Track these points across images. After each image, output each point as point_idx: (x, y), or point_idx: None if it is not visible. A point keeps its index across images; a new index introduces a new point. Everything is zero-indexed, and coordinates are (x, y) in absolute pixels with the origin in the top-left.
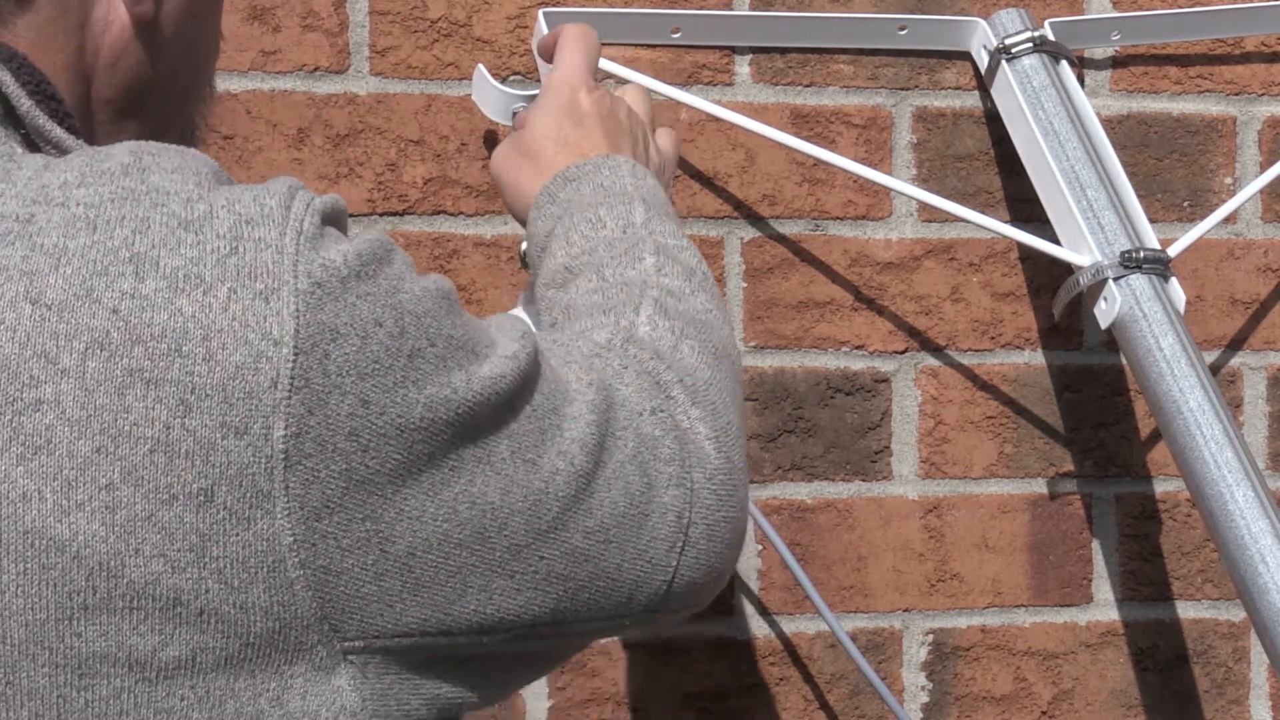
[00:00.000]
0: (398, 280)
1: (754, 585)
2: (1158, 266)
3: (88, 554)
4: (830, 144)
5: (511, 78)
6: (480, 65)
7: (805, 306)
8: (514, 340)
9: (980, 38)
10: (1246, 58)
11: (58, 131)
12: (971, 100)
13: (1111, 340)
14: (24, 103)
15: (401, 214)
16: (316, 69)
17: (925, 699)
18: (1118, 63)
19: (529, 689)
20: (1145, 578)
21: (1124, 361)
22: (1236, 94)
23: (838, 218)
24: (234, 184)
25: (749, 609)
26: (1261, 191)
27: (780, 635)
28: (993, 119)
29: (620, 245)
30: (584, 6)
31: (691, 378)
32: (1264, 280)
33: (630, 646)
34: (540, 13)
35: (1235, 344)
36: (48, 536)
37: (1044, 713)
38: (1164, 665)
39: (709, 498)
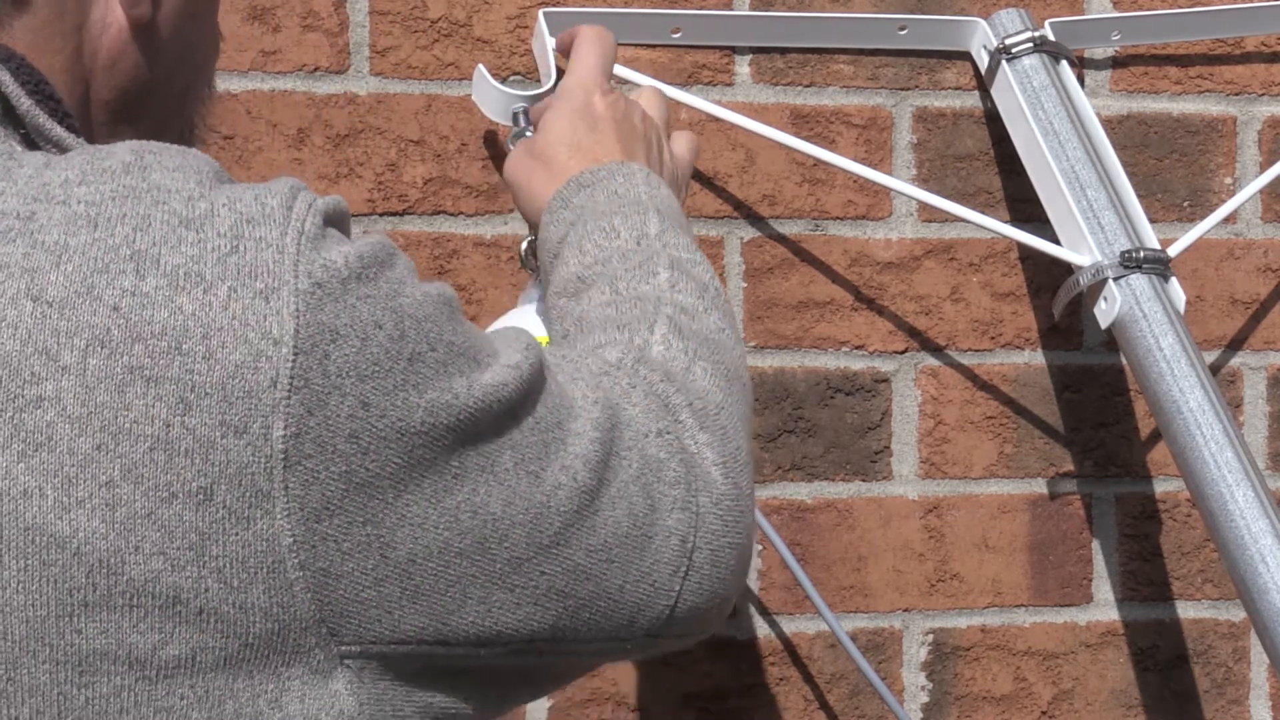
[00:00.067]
0: (399, 284)
1: (754, 585)
2: (1158, 266)
3: (88, 551)
4: (830, 144)
5: (511, 78)
6: (480, 65)
7: (805, 306)
8: (517, 351)
9: (980, 38)
10: (1246, 58)
11: (58, 130)
12: (971, 100)
13: (1111, 340)
14: (23, 102)
15: (401, 214)
16: (316, 69)
17: (925, 699)
18: (1118, 63)
19: None
20: (1145, 578)
21: (1124, 361)
22: (1236, 94)
23: (838, 218)
24: (235, 183)
25: (749, 609)
26: (1261, 191)
27: (780, 635)
28: (993, 119)
29: (634, 257)
30: (584, 6)
31: (702, 401)
32: (1264, 280)
33: None
34: (540, 13)
35: (1235, 344)
36: (48, 533)
37: (1044, 713)
38: (1164, 665)
39: (714, 523)
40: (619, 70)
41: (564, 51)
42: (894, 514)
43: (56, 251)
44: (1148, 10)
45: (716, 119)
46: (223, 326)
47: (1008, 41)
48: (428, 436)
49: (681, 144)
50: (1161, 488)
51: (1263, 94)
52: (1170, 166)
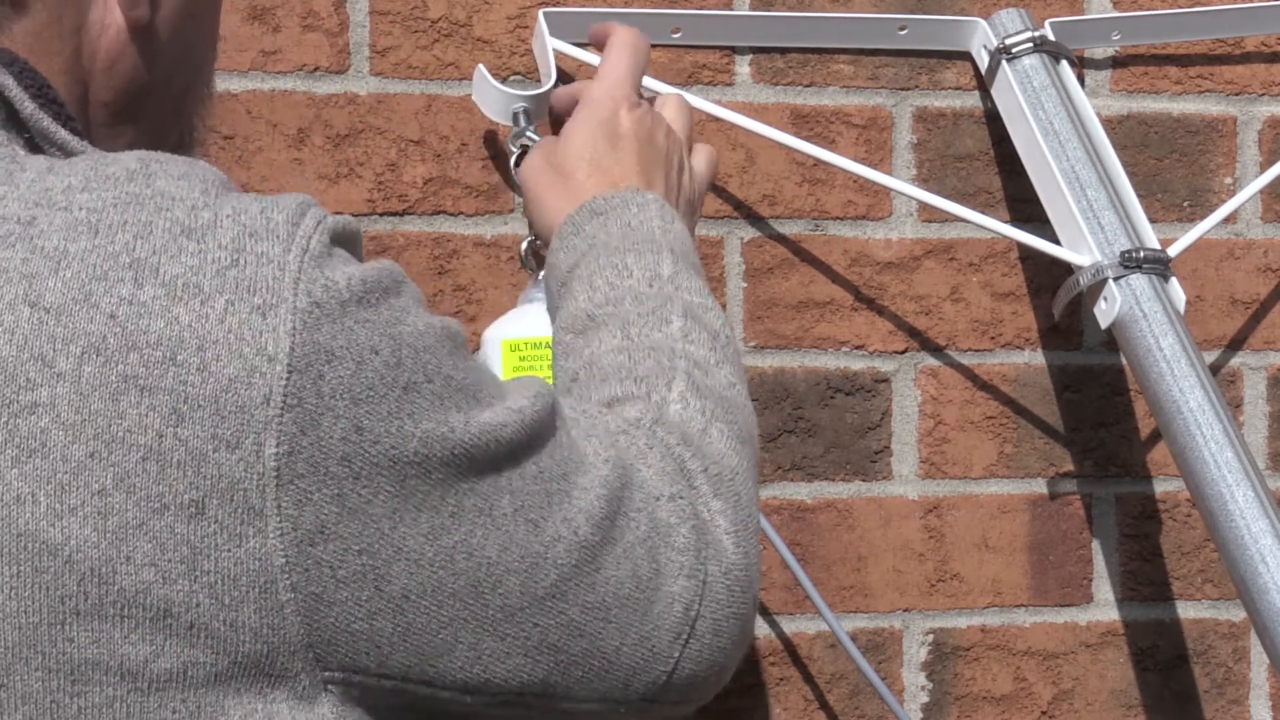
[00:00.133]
0: (401, 312)
1: None
2: (1158, 266)
3: (79, 559)
4: (830, 144)
5: (511, 78)
6: (480, 65)
7: (805, 306)
8: (524, 396)
9: (980, 38)
10: (1246, 58)
11: (62, 134)
12: (971, 100)
13: (1111, 340)
14: (27, 106)
15: (401, 214)
16: (316, 69)
17: (925, 699)
18: (1118, 63)
19: None
20: (1145, 578)
21: (1124, 361)
22: (1236, 94)
23: (838, 218)
24: (243, 194)
25: None
26: (1261, 191)
27: (780, 635)
28: (993, 119)
29: (647, 301)
30: (584, 6)
31: (717, 466)
32: (1264, 280)
33: None
34: (540, 13)
35: (1235, 344)
36: (40, 540)
37: (1044, 713)
38: (1164, 665)
39: (721, 593)
40: None
41: (597, 46)
42: (894, 514)
43: (56, 257)
44: (1148, 10)
45: (716, 119)
46: (218, 340)
47: (1008, 41)
48: (421, 468)
49: (701, 158)
50: (1161, 488)
51: (1263, 94)
52: (1170, 166)
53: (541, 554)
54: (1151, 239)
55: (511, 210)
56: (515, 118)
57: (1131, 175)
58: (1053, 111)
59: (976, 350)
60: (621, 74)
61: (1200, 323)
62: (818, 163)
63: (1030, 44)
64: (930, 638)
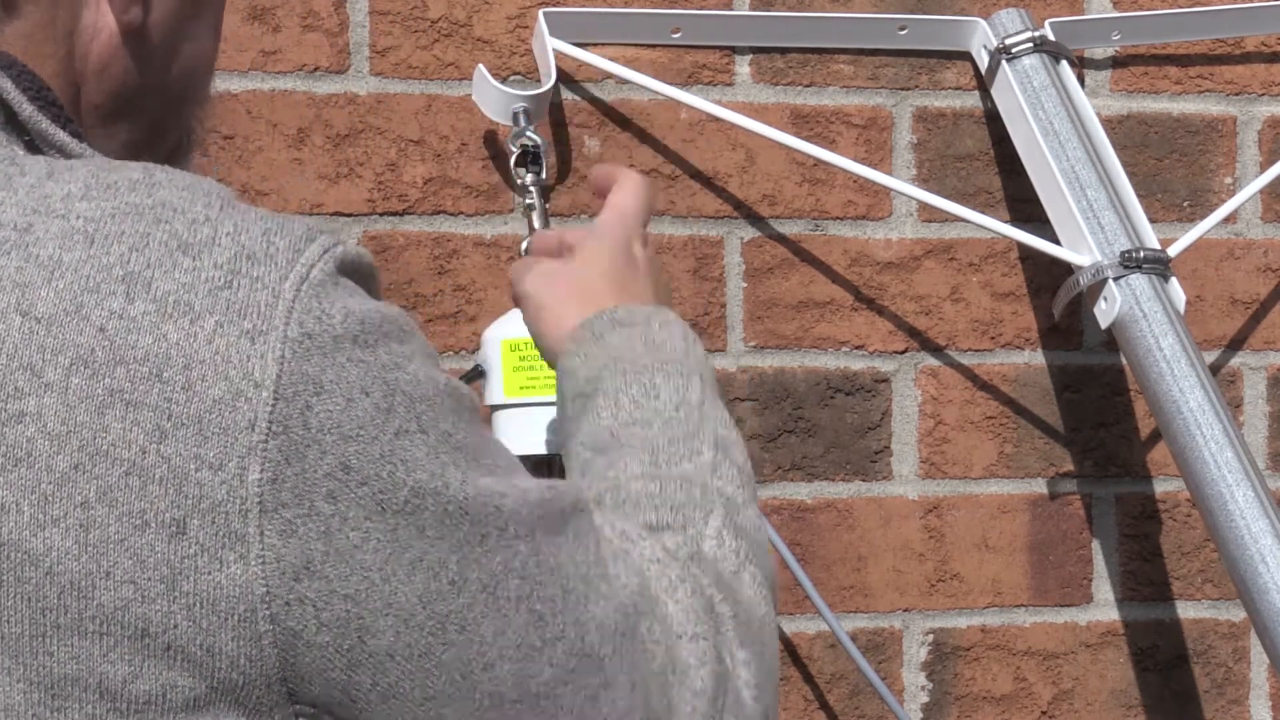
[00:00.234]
0: (400, 359)
1: None
2: (1158, 266)
3: (60, 571)
4: (830, 144)
5: (511, 78)
6: (480, 65)
7: (805, 306)
8: (542, 484)
9: (980, 38)
10: (1246, 58)
11: (61, 136)
12: (971, 100)
13: (1111, 340)
14: (26, 108)
15: (401, 214)
16: (316, 69)
17: (925, 699)
18: (1118, 63)
19: None
20: (1145, 578)
21: (1124, 361)
22: (1236, 94)
23: (838, 218)
24: (249, 210)
25: None
26: (1261, 191)
27: (780, 635)
28: (993, 119)
29: (677, 427)
30: (584, 6)
31: (747, 613)
32: (1264, 280)
33: None
34: (540, 13)
35: (1235, 344)
36: (23, 549)
37: (1044, 713)
38: (1164, 665)
39: None
40: (619, 70)
41: (600, 190)
42: (894, 514)
43: (50, 267)
44: (1148, 10)
45: (716, 119)
46: (204, 359)
47: (1008, 41)
48: (414, 521)
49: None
50: (1161, 488)
51: (1263, 94)
52: (1170, 166)
53: (539, 649)
54: (1151, 239)
55: (511, 210)
56: (515, 118)
57: (1131, 175)
58: (1053, 111)
59: (976, 350)
60: (636, 209)
61: (1200, 323)
62: (818, 163)
63: (1030, 44)
64: (930, 638)
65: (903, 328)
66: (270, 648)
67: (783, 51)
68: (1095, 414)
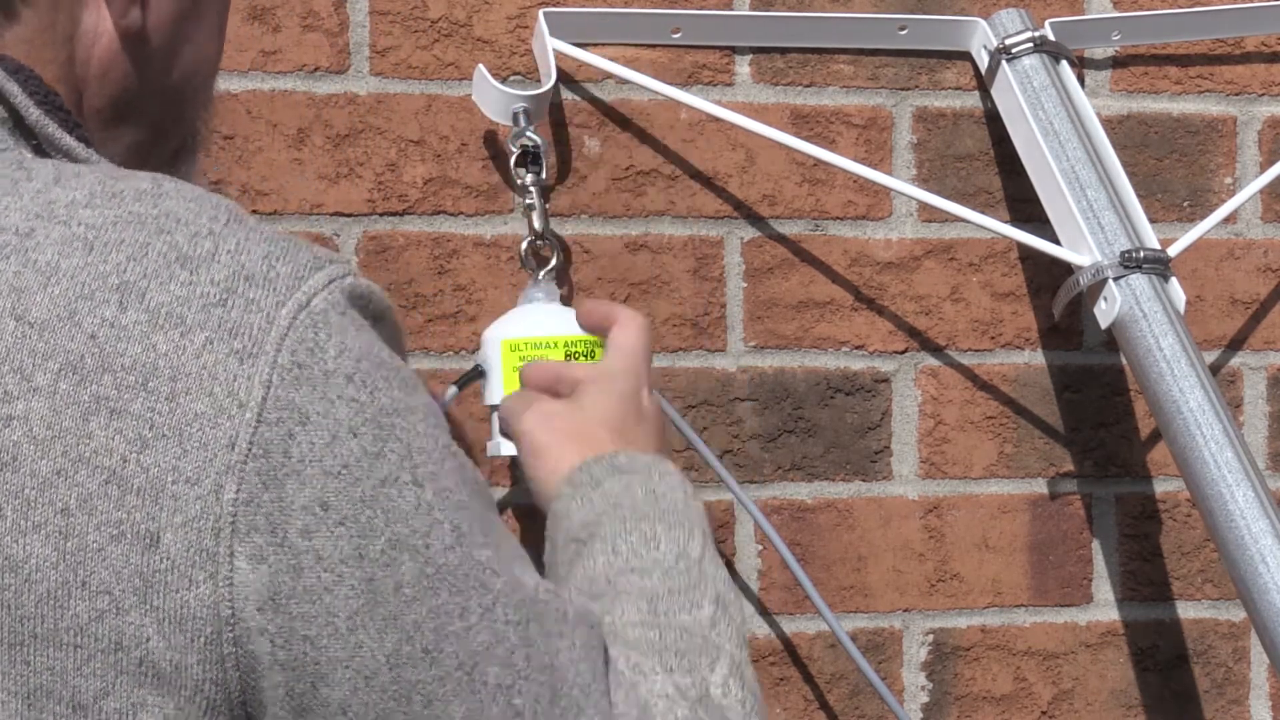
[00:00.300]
0: (403, 408)
1: (754, 585)
2: (1158, 266)
3: (38, 579)
4: (830, 144)
5: (511, 78)
6: (480, 65)
7: (805, 306)
8: (548, 586)
9: (980, 38)
10: (1246, 58)
11: (68, 140)
12: (971, 100)
13: (1111, 340)
14: (32, 113)
15: (401, 214)
16: (316, 69)
17: (925, 699)
18: (1118, 63)
19: None
20: (1145, 578)
21: (1124, 361)
22: (1236, 94)
23: (838, 218)
24: (256, 228)
25: (749, 609)
26: (1261, 191)
27: (780, 635)
28: (993, 119)
29: (677, 578)
30: (584, 6)
31: None
32: (1264, 280)
33: None
34: (540, 13)
35: (1235, 344)
36: (4, 554)
37: (1044, 713)
38: (1164, 665)
39: None
40: (619, 70)
41: (593, 328)
42: (894, 514)
43: (47, 272)
44: (1148, 10)
45: (716, 119)
46: (191, 373)
47: (1008, 41)
48: (390, 573)
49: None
50: (1161, 488)
51: (1263, 94)
52: (1170, 166)
53: None
54: (1151, 239)
55: (511, 210)
56: (515, 118)
57: (1131, 175)
58: (1053, 111)
59: (976, 350)
60: (641, 354)
61: (1200, 323)
62: (818, 163)
63: (1030, 44)
64: (930, 638)
65: (903, 328)
66: (233, 670)
67: (783, 51)
68: (1095, 414)
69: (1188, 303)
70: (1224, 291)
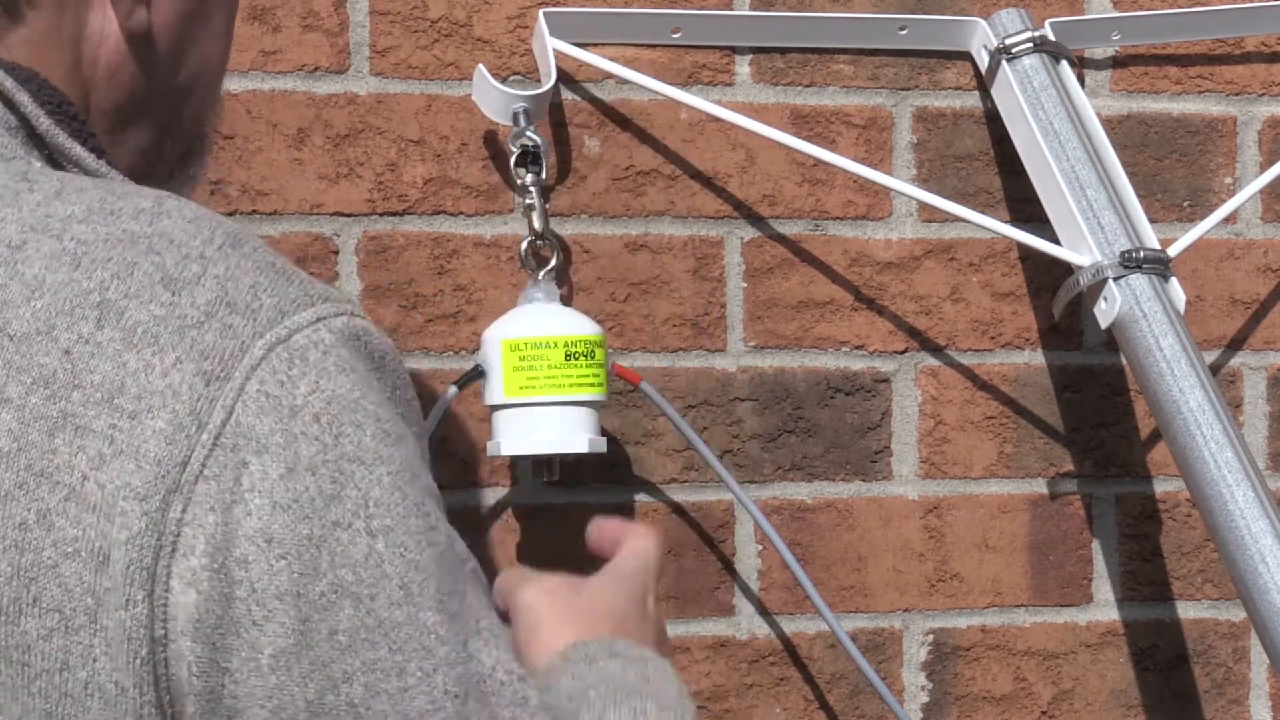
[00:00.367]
0: (373, 459)
1: (754, 585)
2: (1158, 266)
3: None
4: (830, 144)
5: (511, 78)
6: (480, 65)
7: (805, 306)
8: (514, 674)
9: (980, 38)
10: (1246, 58)
11: (77, 150)
12: (971, 100)
13: (1111, 340)
14: (43, 122)
15: (401, 214)
16: (316, 69)
17: (925, 699)
18: (1118, 63)
19: None
20: (1145, 578)
21: (1124, 361)
22: (1236, 94)
23: (838, 218)
24: (255, 256)
25: (749, 609)
26: (1261, 191)
27: (780, 635)
28: (993, 119)
29: None
30: (584, 6)
31: None
32: (1264, 280)
33: None
34: (540, 13)
35: (1235, 344)
36: None
37: (1044, 713)
38: (1164, 665)
39: None
40: (619, 70)
41: (600, 546)
42: (894, 514)
43: (33, 286)
44: (1148, 10)
45: (716, 119)
46: (155, 391)
47: (1008, 41)
48: (326, 615)
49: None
50: (1161, 488)
51: (1263, 94)
52: (1170, 166)
53: None
54: (1151, 239)
55: (511, 210)
56: (515, 118)
57: (1131, 175)
58: (1053, 111)
59: (976, 350)
60: (653, 564)
61: (1200, 323)
62: (818, 163)
63: (1030, 44)
64: (930, 638)
65: (903, 328)
66: (165, 693)
67: (783, 51)
68: (1095, 414)
69: (1188, 303)
70: (1224, 291)
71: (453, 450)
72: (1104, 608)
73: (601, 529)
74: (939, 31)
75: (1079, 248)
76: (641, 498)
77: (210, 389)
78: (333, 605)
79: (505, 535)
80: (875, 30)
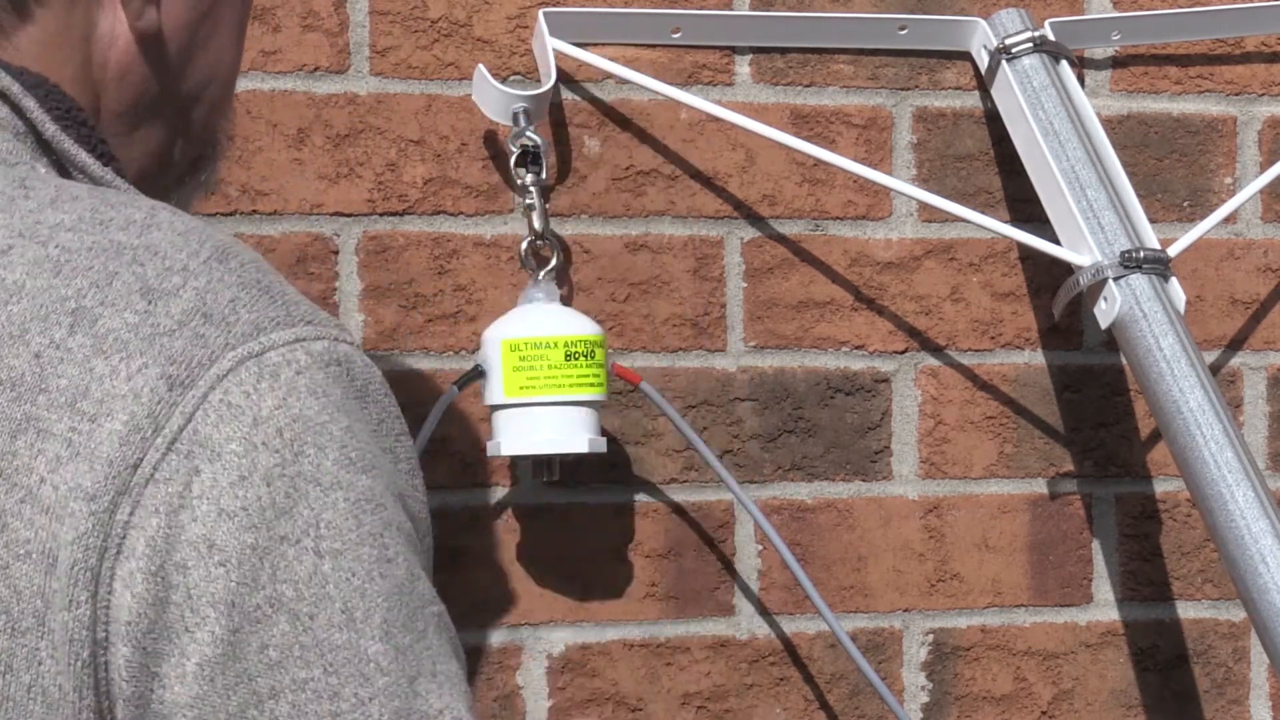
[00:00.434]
0: (333, 484)
1: (754, 585)
2: (1158, 266)
3: None
4: (830, 144)
5: (511, 78)
6: (480, 65)
7: (805, 306)
8: (458, 718)
9: (980, 38)
10: (1246, 58)
11: (83, 156)
12: (971, 100)
13: (1111, 340)
14: (48, 127)
15: (401, 214)
16: (316, 69)
17: (925, 699)
18: (1118, 63)
19: (529, 688)
20: (1145, 578)
21: (1124, 361)
22: (1236, 94)
23: (838, 218)
24: (241, 273)
25: (749, 609)
26: (1261, 191)
27: (780, 635)
28: (993, 119)
29: None
30: (584, 6)
31: None
32: (1264, 280)
33: (630, 646)
34: (540, 13)
35: (1235, 344)
36: None
37: (1044, 713)
38: (1164, 665)
39: None
40: (611, 67)
41: None
42: (894, 514)
43: (12, 291)
44: (1148, 10)
45: (716, 119)
46: (118, 395)
47: (1008, 41)
48: (259, 628)
49: None
50: (1161, 488)
51: (1263, 94)
52: (1170, 166)
53: None
54: (1151, 239)
55: (511, 210)
56: (515, 118)
57: (1131, 175)
58: (1053, 111)
59: (976, 350)
60: None
61: (1200, 323)
62: (818, 163)
63: (1030, 44)
64: (930, 638)
65: (903, 328)
66: (104, 697)
67: (783, 51)
68: (1095, 414)
69: (1188, 303)
70: (1224, 291)
71: (453, 450)
72: (1104, 608)
73: None
74: (939, 31)
75: (1079, 248)
76: (641, 498)
77: (172, 394)
78: (267, 619)
79: (505, 535)
80: (875, 30)
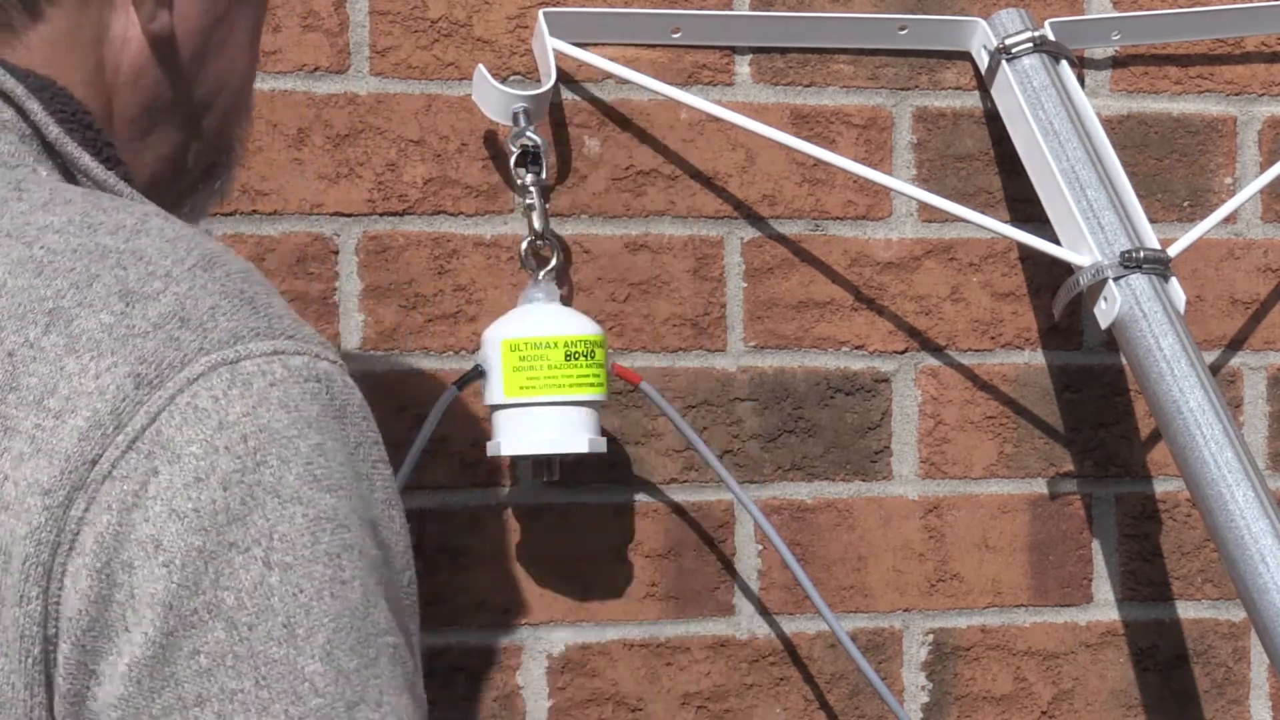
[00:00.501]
0: (288, 499)
1: (754, 585)
2: (1158, 266)
3: None
4: (830, 144)
5: (511, 78)
6: (480, 65)
7: (805, 306)
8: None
9: (980, 38)
10: (1246, 58)
11: (86, 159)
12: (971, 100)
13: (1111, 340)
14: (52, 130)
15: (401, 214)
16: (316, 69)
17: (925, 699)
18: (1118, 63)
19: (529, 688)
20: (1145, 578)
21: (1124, 361)
22: (1236, 94)
23: (838, 218)
24: (230, 281)
25: (749, 609)
26: (1261, 191)
27: (780, 635)
28: (993, 119)
29: None
30: (584, 6)
31: None
32: (1264, 280)
33: (630, 646)
34: (540, 13)
35: (1235, 344)
36: None
37: (1044, 713)
38: (1164, 665)
39: None
40: (611, 67)
41: None
42: (894, 514)
43: None
44: (1148, 10)
45: (716, 119)
46: (85, 392)
47: (1008, 41)
48: (193, 634)
49: None
50: (1161, 488)
51: (1263, 94)
52: (1170, 166)
53: None
54: (1151, 239)
55: (511, 210)
56: (515, 118)
57: (1131, 175)
58: (1053, 111)
59: (976, 350)
60: None
61: (1200, 323)
62: (818, 163)
63: (1030, 44)
64: (930, 638)
65: (903, 328)
66: (53, 694)
67: (783, 51)
68: (1095, 414)
69: (1188, 303)
70: (1224, 291)
71: (453, 450)
72: (1104, 608)
73: None
74: (939, 31)
75: (1079, 248)
76: (641, 498)
77: (139, 393)
78: (202, 624)
79: (505, 535)
80: (875, 30)
